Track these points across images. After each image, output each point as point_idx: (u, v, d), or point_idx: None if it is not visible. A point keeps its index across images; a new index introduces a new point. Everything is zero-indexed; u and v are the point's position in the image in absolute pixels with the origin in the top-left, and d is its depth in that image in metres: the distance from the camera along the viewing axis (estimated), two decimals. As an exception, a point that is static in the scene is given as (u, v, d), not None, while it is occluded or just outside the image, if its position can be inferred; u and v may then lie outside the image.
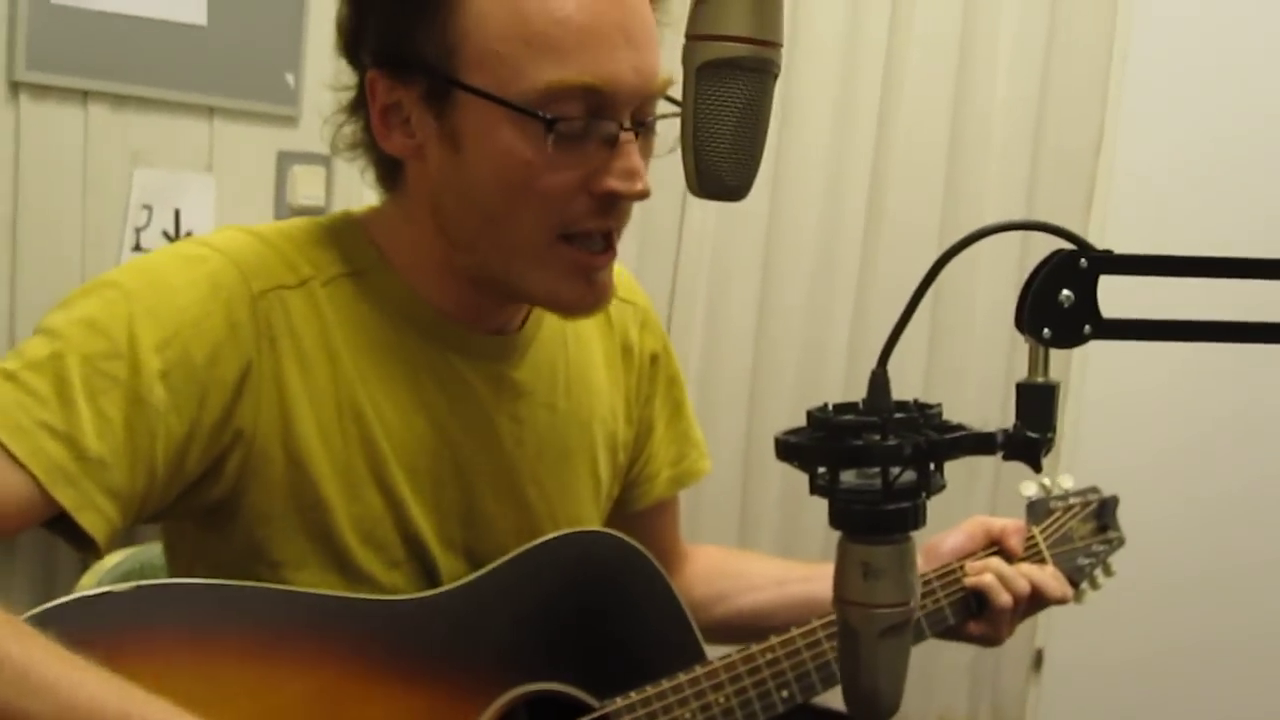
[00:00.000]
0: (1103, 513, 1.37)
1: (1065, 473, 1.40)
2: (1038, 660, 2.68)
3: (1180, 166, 2.53)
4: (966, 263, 2.53)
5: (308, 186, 2.28)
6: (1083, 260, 0.73)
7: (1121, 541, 1.38)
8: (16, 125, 1.96)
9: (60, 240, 2.03)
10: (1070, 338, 0.73)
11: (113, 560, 1.24)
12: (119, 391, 0.89)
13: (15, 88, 1.94)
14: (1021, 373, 0.74)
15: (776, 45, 0.71)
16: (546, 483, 1.12)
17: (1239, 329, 0.76)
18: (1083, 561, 1.33)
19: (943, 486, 0.72)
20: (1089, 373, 2.59)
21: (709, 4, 0.70)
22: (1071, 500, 1.37)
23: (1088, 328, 0.73)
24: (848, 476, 0.72)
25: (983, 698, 2.66)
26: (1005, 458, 0.73)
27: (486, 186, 0.96)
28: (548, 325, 1.13)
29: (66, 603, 0.87)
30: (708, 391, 2.49)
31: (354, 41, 1.01)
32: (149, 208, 2.11)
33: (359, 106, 1.01)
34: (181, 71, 2.09)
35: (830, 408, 0.72)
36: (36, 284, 2.01)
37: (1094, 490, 1.40)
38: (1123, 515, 1.40)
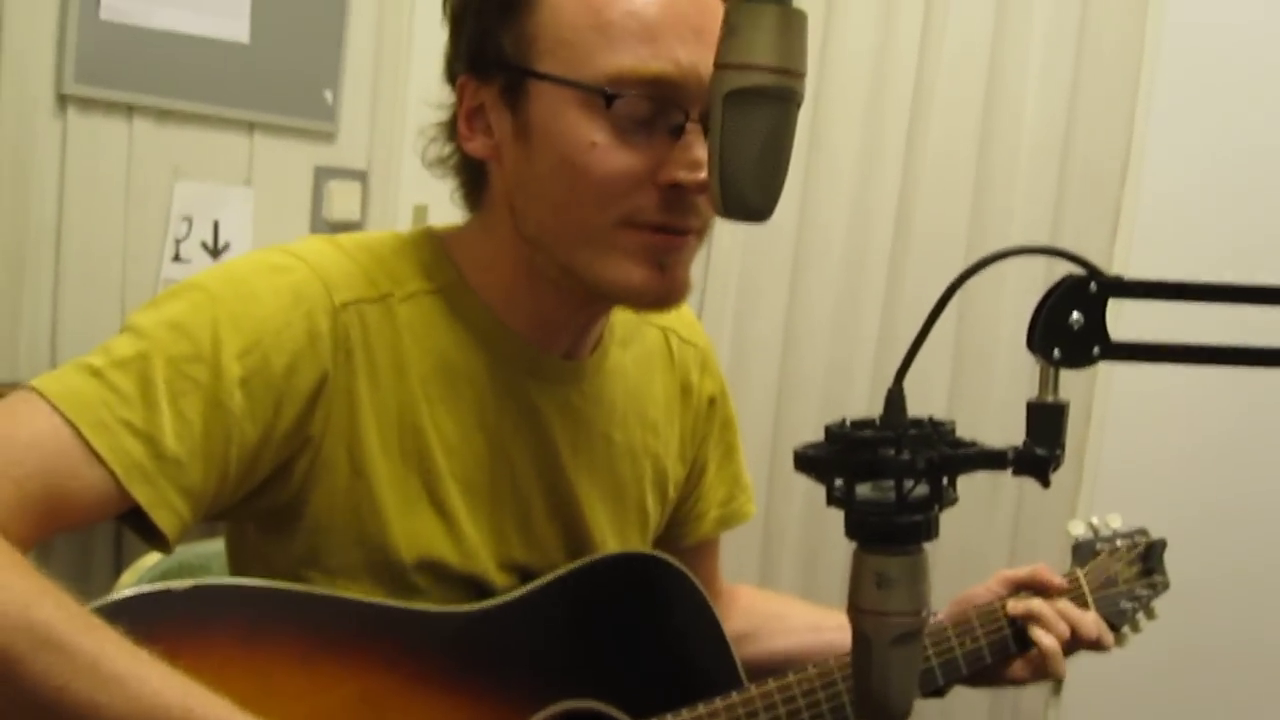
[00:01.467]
0: (1149, 556, 1.34)
1: (1114, 512, 1.38)
2: (1058, 681, 2.67)
3: (1207, 184, 2.52)
4: (991, 286, 2.56)
5: (344, 201, 2.33)
6: (1093, 284, 0.75)
7: (1166, 586, 1.35)
8: (63, 137, 2.02)
9: (102, 249, 2.08)
10: (1079, 359, 0.76)
11: (151, 559, 1.27)
12: (199, 395, 0.91)
13: (63, 100, 2.00)
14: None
15: (800, 75, 0.74)
16: (598, 511, 1.13)
17: (1244, 354, 0.78)
18: (1125, 605, 1.31)
19: (955, 500, 0.75)
20: (1114, 379, 2.58)
21: (737, 35, 0.73)
22: (1118, 542, 1.34)
23: (1096, 349, 0.76)
24: (863, 489, 0.74)
25: (1002, 718, 2.66)
26: (1015, 473, 0.75)
27: (552, 172, 0.97)
28: (613, 357, 1.15)
29: (128, 597, 0.90)
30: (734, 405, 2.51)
31: (452, 57, 1.04)
32: (189, 219, 2.16)
33: (454, 125, 1.04)
34: (224, 88, 2.15)
35: (848, 423, 0.75)
36: (78, 291, 2.07)
37: (1142, 532, 1.37)
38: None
